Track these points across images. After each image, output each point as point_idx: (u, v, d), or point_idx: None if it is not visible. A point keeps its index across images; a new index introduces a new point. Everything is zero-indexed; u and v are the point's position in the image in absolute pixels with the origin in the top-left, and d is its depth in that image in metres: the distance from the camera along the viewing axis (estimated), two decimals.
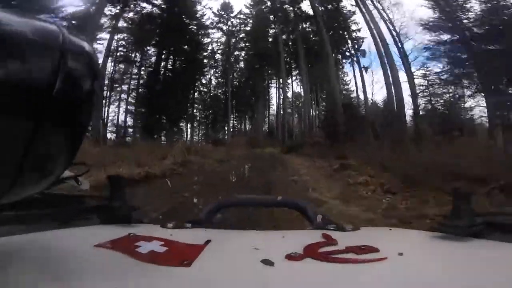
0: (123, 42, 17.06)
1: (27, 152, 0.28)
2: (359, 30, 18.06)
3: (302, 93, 22.74)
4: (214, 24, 20.60)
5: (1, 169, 0.28)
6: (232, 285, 0.35)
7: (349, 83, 19.48)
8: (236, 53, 22.90)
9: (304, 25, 21.28)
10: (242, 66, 23.66)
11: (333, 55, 19.49)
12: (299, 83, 22.37)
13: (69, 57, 0.29)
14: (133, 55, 17.33)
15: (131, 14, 16.55)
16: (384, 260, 0.40)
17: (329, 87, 17.30)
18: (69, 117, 0.30)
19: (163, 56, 18.64)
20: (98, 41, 14.76)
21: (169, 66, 19.09)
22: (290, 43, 20.60)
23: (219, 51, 22.07)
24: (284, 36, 20.91)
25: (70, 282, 0.33)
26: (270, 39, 22.18)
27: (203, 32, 20.25)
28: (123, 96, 16.90)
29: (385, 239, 0.57)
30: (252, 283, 0.36)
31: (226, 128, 21.44)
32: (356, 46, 19.36)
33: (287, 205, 0.83)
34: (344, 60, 19.69)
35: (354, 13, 17.51)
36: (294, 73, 22.51)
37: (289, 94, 24.71)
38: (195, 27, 19.63)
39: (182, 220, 0.64)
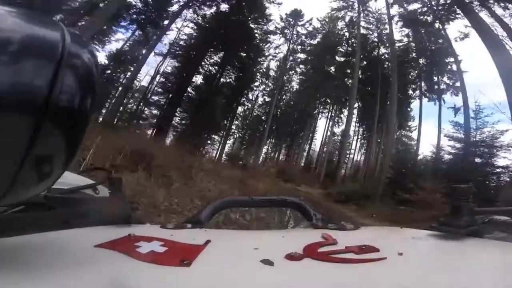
0: (182, 41, 16.47)
1: (26, 154, 0.28)
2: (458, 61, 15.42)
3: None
4: (279, 30, 19.06)
5: (0, 171, 0.28)
6: (232, 285, 0.35)
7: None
8: (291, 72, 21.76)
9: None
10: (294, 87, 21.95)
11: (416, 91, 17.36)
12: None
13: (69, 61, 0.29)
14: (191, 54, 16.56)
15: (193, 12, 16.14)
16: (384, 260, 0.40)
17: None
18: (68, 118, 0.30)
19: (218, 60, 17.46)
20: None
21: (224, 72, 18.08)
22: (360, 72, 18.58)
23: (275, 64, 20.35)
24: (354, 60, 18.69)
25: (70, 282, 0.33)
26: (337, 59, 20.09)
27: (265, 37, 18.80)
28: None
29: (385, 238, 0.57)
30: (252, 283, 0.36)
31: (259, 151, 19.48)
32: (450, 82, 16.53)
33: (286, 204, 0.83)
34: (429, 95, 17.14)
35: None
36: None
37: (337, 130, 22.52)
38: (259, 32, 18.42)
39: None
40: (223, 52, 17.32)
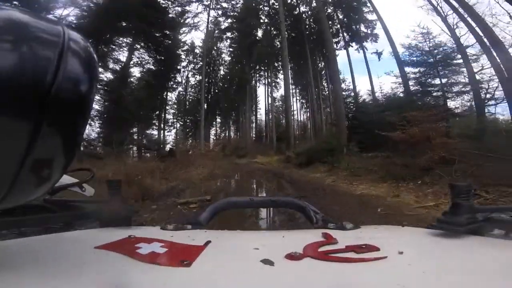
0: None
1: (25, 156, 0.27)
2: (371, 11, 16.26)
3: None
4: None
5: None
6: (232, 285, 0.35)
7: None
8: (220, 45, 20.05)
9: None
10: (226, 59, 20.66)
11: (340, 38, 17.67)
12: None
13: (69, 56, 0.29)
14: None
15: None
16: (384, 259, 0.40)
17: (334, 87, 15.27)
18: (67, 119, 0.30)
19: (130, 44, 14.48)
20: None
21: (135, 59, 15.25)
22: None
23: (200, 39, 18.60)
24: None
25: (71, 284, 0.33)
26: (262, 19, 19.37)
27: (181, 10, 16.61)
28: None
29: (385, 237, 0.56)
30: (252, 283, 0.36)
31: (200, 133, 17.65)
32: (368, 30, 17.35)
33: (286, 205, 0.83)
34: (353, 44, 17.71)
35: None
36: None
37: (277, 95, 22.57)
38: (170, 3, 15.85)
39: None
40: (131, 36, 14.60)
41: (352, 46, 18.60)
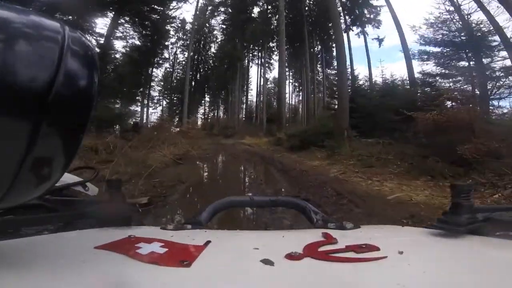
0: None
1: (25, 156, 0.27)
2: None
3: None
4: None
5: None
6: (232, 285, 0.35)
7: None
8: (213, 22, 19.08)
9: None
10: (218, 37, 20.03)
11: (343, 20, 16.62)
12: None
13: (69, 55, 0.29)
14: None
15: None
16: (384, 259, 0.40)
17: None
18: (68, 117, 0.30)
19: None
20: None
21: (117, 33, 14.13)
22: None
23: (191, 15, 17.87)
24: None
25: (70, 284, 0.33)
26: None
27: None
28: None
29: (385, 237, 0.57)
30: (252, 283, 0.36)
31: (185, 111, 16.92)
32: (371, 15, 16.92)
33: (286, 205, 0.83)
34: (353, 28, 17.33)
35: None
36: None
37: (269, 76, 21.81)
38: None
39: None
40: (113, 9, 13.49)
41: (352, 30, 18.19)
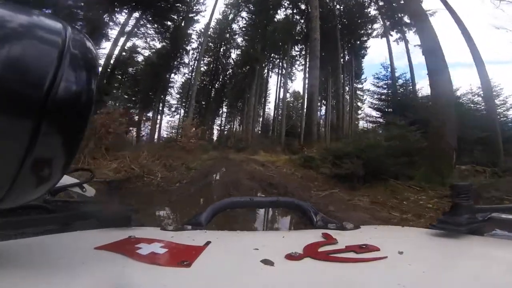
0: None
1: (25, 157, 0.27)
2: None
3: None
4: None
5: None
6: (232, 286, 0.35)
7: None
8: (234, 27, 17.74)
9: None
10: (239, 43, 18.51)
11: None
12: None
13: (70, 55, 0.28)
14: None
15: None
16: (385, 259, 0.40)
17: None
18: (68, 119, 0.29)
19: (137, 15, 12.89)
20: None
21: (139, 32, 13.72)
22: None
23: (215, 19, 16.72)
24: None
25: (71, 285, 0.33)
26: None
27: None
28: None
29: (385, 237, 0.57)
30: (252, 283, 0.36)
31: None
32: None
33: (286, 206, 0.83)
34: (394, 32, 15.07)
35: None
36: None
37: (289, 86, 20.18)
38: None
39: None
40: (137, 13, 13.08)
41: (391, 35, 16.24)
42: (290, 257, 0.41)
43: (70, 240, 0.52)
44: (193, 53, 17.98)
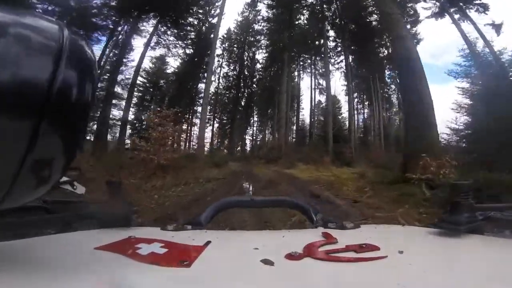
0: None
1: (25, 157, 0.27)
2: None
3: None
4: None
5: None
6: (232, 285, 0.36)
7: None
8: (257, 27, 15.56)
9: None
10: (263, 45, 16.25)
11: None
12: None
13: (68, 57, 0.29)
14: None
15: None
16: (385, 258, 0.40)
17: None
18: (67, 119, 0.30)
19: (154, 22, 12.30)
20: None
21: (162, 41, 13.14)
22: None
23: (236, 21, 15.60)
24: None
25: (71, 284, 0.34)
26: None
27: None
28: None
29: (385, 237, 0.56)
30: (252, 283, 0.36)
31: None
32: None
33: (287, 205, 0.84)
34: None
35: None
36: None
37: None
38: None
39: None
40: (156, 20, 12.71)
41: (445, 16, 11.45)
42: (290, 256, 0.41)
43: (70, 240, 0.52)
44: (218, 60, 16.66)
